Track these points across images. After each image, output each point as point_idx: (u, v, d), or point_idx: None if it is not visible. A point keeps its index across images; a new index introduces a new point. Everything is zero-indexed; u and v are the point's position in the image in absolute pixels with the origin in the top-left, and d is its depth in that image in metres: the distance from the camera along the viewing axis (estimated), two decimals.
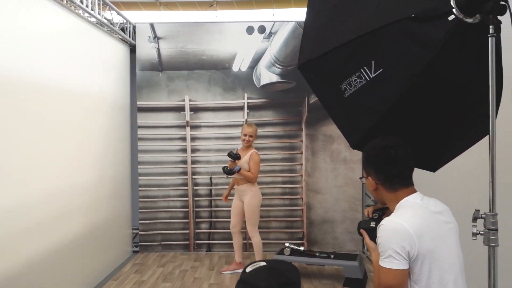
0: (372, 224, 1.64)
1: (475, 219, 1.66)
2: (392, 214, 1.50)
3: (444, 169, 2.07)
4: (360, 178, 1.76)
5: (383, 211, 1.67)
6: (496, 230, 1.65)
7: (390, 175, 1.54)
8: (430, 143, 1.89)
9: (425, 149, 1.90)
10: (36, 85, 3.25)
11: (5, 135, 2.83)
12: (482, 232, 1.66)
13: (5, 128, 2.84)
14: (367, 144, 1.65)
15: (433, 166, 1.98)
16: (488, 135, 1.69)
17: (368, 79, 1.77)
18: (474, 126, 1.89)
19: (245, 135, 4.32)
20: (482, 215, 1.66)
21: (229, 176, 4.34)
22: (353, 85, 1.81)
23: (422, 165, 1.96)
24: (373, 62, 1.77)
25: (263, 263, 1.17)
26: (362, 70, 1.79)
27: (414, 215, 1.46)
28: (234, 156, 4.20)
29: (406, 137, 1.87)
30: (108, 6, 4.57)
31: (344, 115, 1.89)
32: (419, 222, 1.44)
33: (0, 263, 2.75)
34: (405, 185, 1.54)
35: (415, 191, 1.55)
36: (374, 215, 1.68)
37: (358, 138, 1.85)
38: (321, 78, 1.89)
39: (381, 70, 1.75)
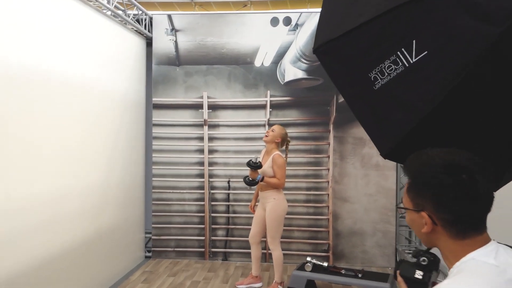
0: (418, 274, 1.12)
1: None
2: (448, 280, 0.95)
3: (506, 188, 1.58)
4: (398, 207, 1.13)
5: (435, 257, 1.14)
6: None
7: (463, 215, 0.97)
8: (490, 155, 1.40)
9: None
10: (44, 79, 3.01)
11: (10, 132, 2.65)
12: None
13: (10, 126, 2.65)
14: (418, 157, 1.08)
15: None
16: None
17: (407, 65, 1.31)
18: None
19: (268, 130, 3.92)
20: None
21: (252, 187, 3.90)
22: (386, 73, 1.35)
23: None
24: (414, 42, 1.31)
25: None
26: (399, 53, 1.33)
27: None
28: (254, 166, 3.76)
29: (458, 143, 1.40)
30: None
31: (373, 113, 1.43)
32: None
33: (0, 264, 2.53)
34: (479, 231, 0.99)
35: (488, 240, 1.01)
36: (422, 259, 1.14)
37: (391, 144, 1.40)
38: (343, 63, 1.44)
39: (425, 53, 1.29)
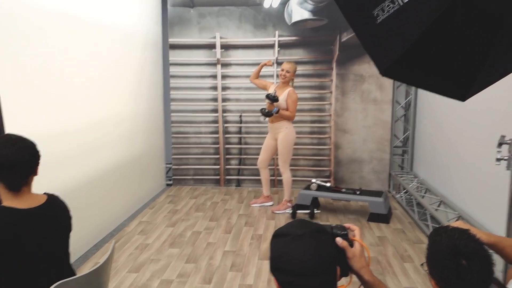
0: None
1: (500, 144, 1.70)
2: None
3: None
4: (422, 265, 1.33)
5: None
6: None
7: None
8: (463, 70, 1.87)
9: (457, 77, 1.90)
10: (74, 20, 3.34)
11: (49, 67, 3.00)
12: (506, 158, 1.70)
13: (47, 61, 2.99)
14: (433, 233, 1.27)
15: (463, 94, 1.98)
16: None
17: (402, 3, 1.76)
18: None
19: (282, 70, 4.34)
20: (508, 141, 1.70)
21: (267, 118, 4.40)
22: (386, 11, 1.80)
23: (452, 94, 1.97)
24: None
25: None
26: None
27: None
28: (273, 98, 4.24)
29: (439, 62, 1.87)
30: None
31: (376, 42, 1.89)
32: None
33: (41, 188, 3.01)
34: None
35: None
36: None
37: (388, 64, 1.87)
38: (353, 4, 1.88)
39: None
